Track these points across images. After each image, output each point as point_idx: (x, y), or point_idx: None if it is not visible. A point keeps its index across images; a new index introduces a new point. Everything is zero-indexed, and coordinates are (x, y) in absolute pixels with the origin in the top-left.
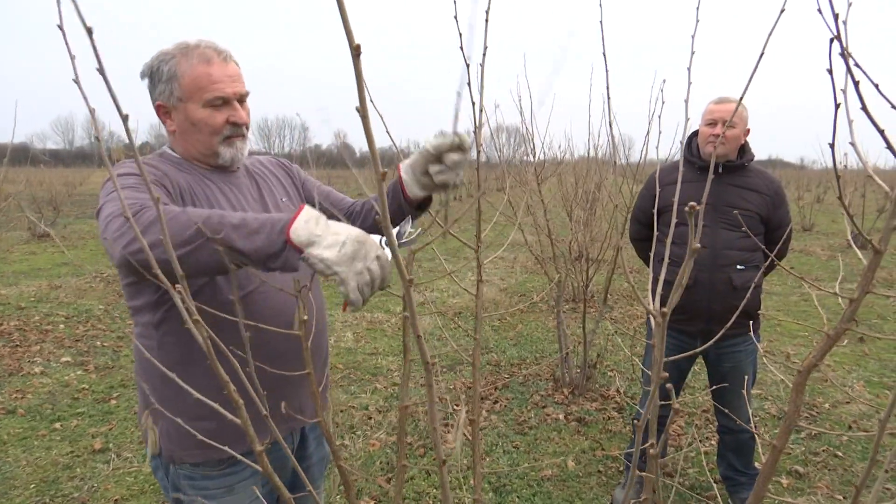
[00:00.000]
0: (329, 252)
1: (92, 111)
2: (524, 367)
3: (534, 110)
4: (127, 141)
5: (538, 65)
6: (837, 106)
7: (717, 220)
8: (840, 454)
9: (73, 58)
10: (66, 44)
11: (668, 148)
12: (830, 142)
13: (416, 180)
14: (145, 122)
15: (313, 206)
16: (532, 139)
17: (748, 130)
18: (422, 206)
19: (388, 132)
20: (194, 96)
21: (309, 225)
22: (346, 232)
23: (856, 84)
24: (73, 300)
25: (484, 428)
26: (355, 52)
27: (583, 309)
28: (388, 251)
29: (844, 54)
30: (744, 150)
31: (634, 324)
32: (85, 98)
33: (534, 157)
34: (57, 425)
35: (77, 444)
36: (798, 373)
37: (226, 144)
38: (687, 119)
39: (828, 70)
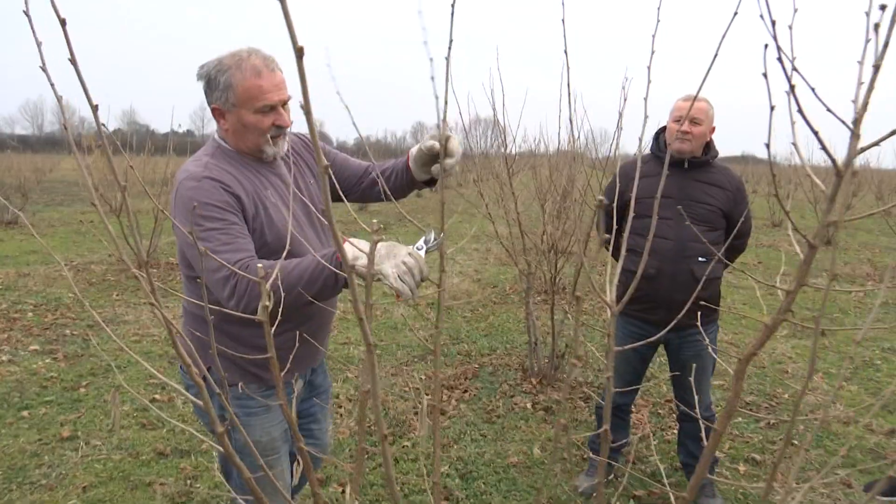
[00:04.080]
0: (366, 260)
1: (59, 99)
2: (494, 357)
3: (505, 103)
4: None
5: (513, 59)
6: (772, 108)
7: (681, 213)
8: (796, 442)
9: (39, 44)
10: (33, 31)
11: (636, 143)
12: (766, 142)
13: (420, 168)
14: (117, 108)
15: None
16: (504, 132)
17: (713, 128)
18: (429, 182)
19: (354, 124)
20: (246, 104)
21: (352, 250)
22: (382, 246)
23: (792, 88)
24: (41, 288)
25: (453, 416)
26: (298, 53)
27: (551, 301)
28: (421, 252)
29: (781, 59)
30: (709, 146)
31: (604, 316)
32: (53, 86)
33: (505, 149)
34: (24, 413)
35: (45, 432)
36: (738, 361)
37: (270, 143)
38: (646, 116)
39: (763, 74)
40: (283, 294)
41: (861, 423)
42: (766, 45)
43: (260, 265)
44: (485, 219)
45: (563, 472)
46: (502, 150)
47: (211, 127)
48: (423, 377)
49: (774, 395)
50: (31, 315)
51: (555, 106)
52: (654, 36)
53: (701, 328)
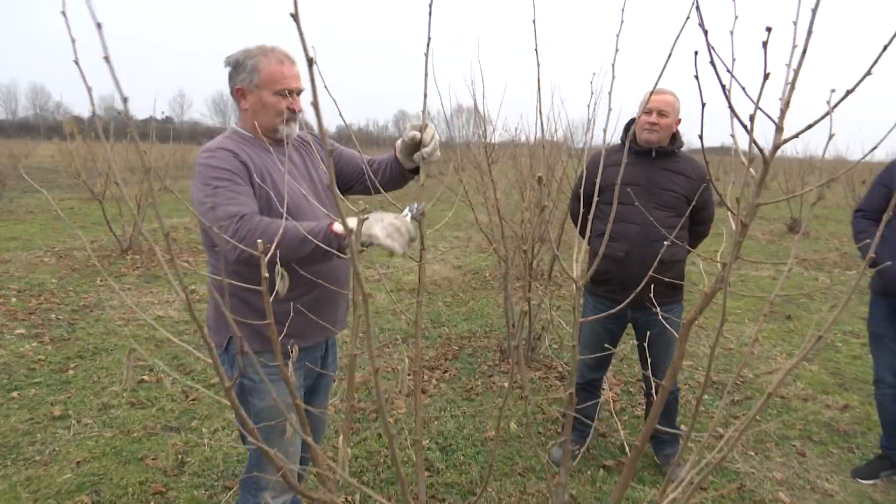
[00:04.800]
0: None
1: (90, 90)
2: (474, 339)
3: (486, 94)
4: (74, 113)
5: (496, 50)
6: (703, 105)
7: (649, 200)
8: (757, 417)
9: (73, 41)
10: (69, 29)
11: (611, 134)
12: (699, 133)
13: (406, 158)
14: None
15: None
16: (485, 122)
17: (679, 120)
18: (415, 171)
19: (341, 115)
20: (268, 86)
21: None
22: (371, 215)
23: (723, 87)
24: (24, 274)
25: (433, 395)
26: (309, 63)
27: (527, 285)
28: (406, 218)
29: (713, 63)
30: (675, 137)
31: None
32: (85, 80)
33: (485, 139)
34: (14, 394)
35: (36, 412)
36: (682, 325)
37: (284, 124)
38: (609, 109)
39: (695, 76)
40: (279, 247)
41: (819, 399)
42: (697, 52)
43: (260, 218)
44: (465, 206)
45: (537, 445)
46: (482, 139)
47: (191, 115)
48: (406, 358)
49: (740, 375)
50: (15, 300)
51: (533, 97)
52: (618, 35)
53: (676, 306)
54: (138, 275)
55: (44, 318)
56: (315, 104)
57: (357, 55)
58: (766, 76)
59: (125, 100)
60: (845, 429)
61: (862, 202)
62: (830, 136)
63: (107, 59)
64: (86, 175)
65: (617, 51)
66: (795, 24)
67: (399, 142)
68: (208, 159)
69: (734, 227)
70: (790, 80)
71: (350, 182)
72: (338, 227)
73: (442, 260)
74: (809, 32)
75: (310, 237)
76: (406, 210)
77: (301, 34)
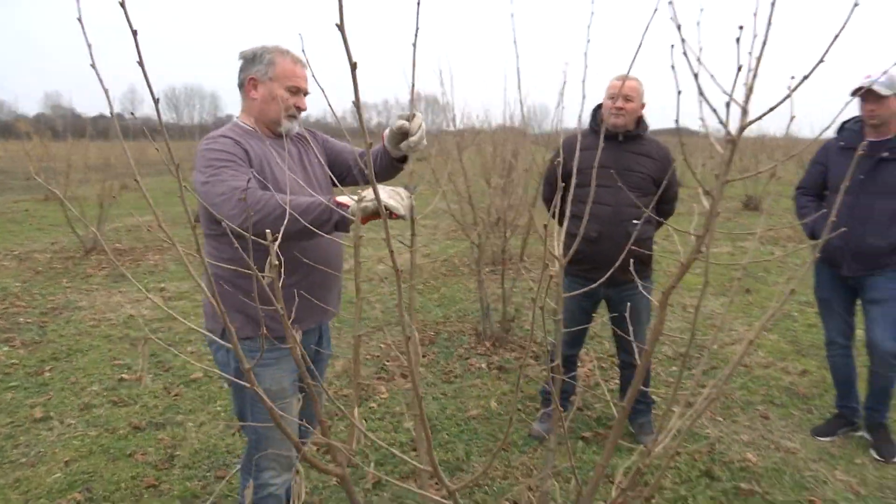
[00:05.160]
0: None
1: (106, 91)
2: (448, 324)
3: (453, 83)
4: (19, 114)
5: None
6: (679, 93)
7: (618, 181)
8: (723, 385)
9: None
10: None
11: (575, 119)
12: (675, 118)
13: (394, 147)
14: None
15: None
16: (447, 111)
17: (644, 104)
18: (403, 159)
19: (330, 106)
20: (282, 80)
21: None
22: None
23: (695, 75)
24: None
25: None
26: (353, 67)
27: (502, 269)
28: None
29: (686, 53)
30: (640, 121)
31: (551, 282)
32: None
33: (455, 127)
34: None
35: (16, 415)
36: (662, 294)
37: (288, 119)
38: (584, 97)
39: (671, 66)
40: (283, 216)
41: (778, 366)
42: (672, 45)
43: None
44: (432, 194)
45: (518, 421)
46: (450, 127)
47: (143, 112)
48: (382, 345)
49: (704, 346)
50: None
51: (496, 86)
52: (589, 27)
53: (647, 282)
54: (105, 275)
55: (12, 322)
56: (357, 104)
57: (317, 45)
58: (739, 69)
59: (157, 101)
60: (804, 392)
61: (802, 180)
62: (792, 118)
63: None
64: (43, 175)
65: (588, 41)
66: (755, 14)
67: (387, 131)
68: (210, 144)
69: (706, 204)
70: (753, 67)
71: (343, 173)
72: (341, 198)
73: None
74: (769, 24)
75: (314, 206)
76: (401, 187)
77: (346, 42)
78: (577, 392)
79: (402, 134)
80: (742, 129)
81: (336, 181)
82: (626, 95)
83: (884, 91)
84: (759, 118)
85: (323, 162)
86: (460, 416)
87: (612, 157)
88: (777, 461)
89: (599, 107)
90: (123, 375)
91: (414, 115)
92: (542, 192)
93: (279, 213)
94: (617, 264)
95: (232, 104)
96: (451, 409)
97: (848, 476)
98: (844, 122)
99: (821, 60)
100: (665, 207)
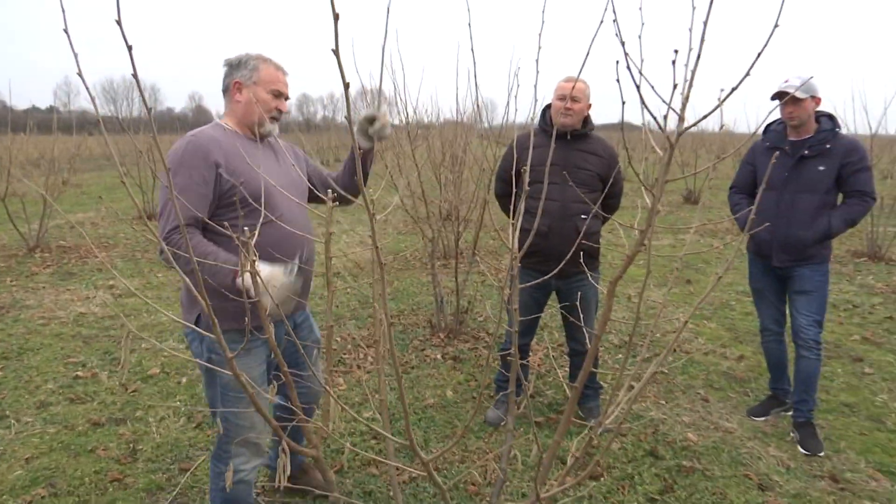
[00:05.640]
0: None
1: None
2: (403, 317)
3: (405, 79)
4: None
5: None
6: (623, 103)
7: (566, 178)
8: (666, 371)
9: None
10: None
11: (526, 117)
12: (621, 125)
13: (362, 136)
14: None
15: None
16: (402, 103)
17: (590, 105)
18: (369, 152)
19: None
20: (265, 84)
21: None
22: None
23: (637, 87)
24: None
25: (371, 371)
26: (346, 86)
27: (455, 262)
28: (292, 277)
29: (629, 67)
30: (587, 120)
31: (500, 275)
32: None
33: (408, 123)
34: None
35: None
36: (609, 284)
37: (270, 121)
38: (535, 100)
39: (617, 80)
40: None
41: (718, 352)
42: (618, 62)
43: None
44: (386, 189)
45: (473, 409)
46: (401, 121)
47: (79, 104)
48: (339, 338)
49: (646, 334)
50: None
51: (446, 82)
52: (540, 35)
53: (594, 274)
54: (51, 272)
55: None
56: (349, 119)
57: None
58: (675, 86)
59: (149, 110)
60: (741, 376)
61: (734, 179)
62: (721, 126)
63: (134, 74)
64: None
65: (540, 48)
66: (691, 30)
67: (356, 125)
68: (183, 148)
69: (647, 201)
70: (689, 79)
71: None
72: (239, 282)
73: (361, 243)
74: (702, 40)
75: (216, 268)
76: (294, 263)
77: (340, 66)
78: (529, 379)
79: (370, 122)
80: (679, 134)
81: (310, 197)
82: (573, 97)
83: (801, 94)
84: (694, 125)
85: (300, 169)
86: (418, 404)
87: (561, 156)
88: (716, 440)
89: (548, 107)
90: (78, 373)
91: (379, 106)
92: (495, 189)
93: (190, 268)
94: (567, 257)
95: (172, 96)
96: (409, 399)
97: (780, 452)
98: (769, 124)
99: (747, 74)
100: (611, 202)
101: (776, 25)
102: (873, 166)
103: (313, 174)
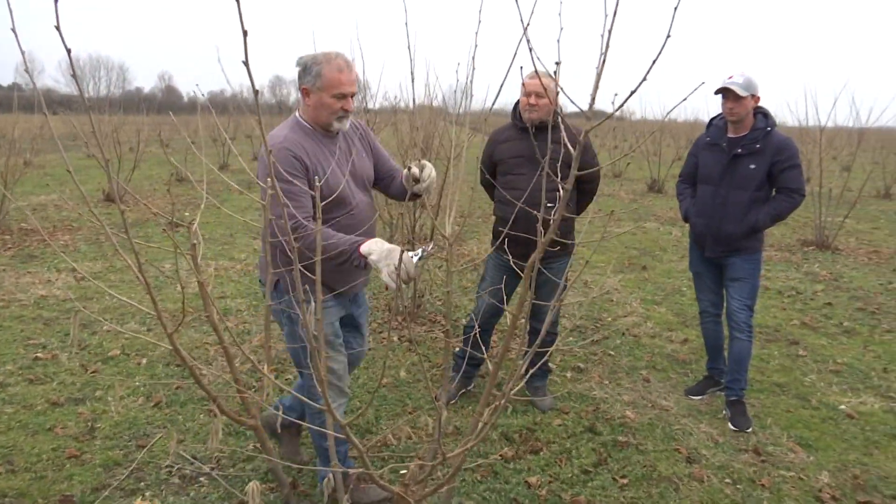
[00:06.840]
0: (374, 256)
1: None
2: None
3: (366, 64)
4: None
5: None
6: (556, 110)
7: (534, 169)
8: (612, 353)
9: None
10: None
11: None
12: (559, 113)
13: (408, 184)
14: None
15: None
16: (369, 88)
17: (557, 96)
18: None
19: (254, 87)
20: (328, 90)
21: (369, 246)
22: (386, 247)
23: (560, 88)
24: None
25: None
26: (255, 93)
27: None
28: (414, 259)
29: (555, 75)
30: (555, 113)
31: (461, 261)
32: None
33: (373, 105)
34: None
35: None
36: (528, 266)
37: (338, 121)
38: (496, 96)
39: (560, 89)
40: (319, 248)
41: (664, 335)
42: (522, 67)
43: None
44: None
45: (424, 389)
46: (370, 106)
47: (43, 82)
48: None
49: (600, 319)
50: None
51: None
52: (476, 33)
53: (561, 258)
54: (11, 255)
55: None
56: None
57: (235, 18)
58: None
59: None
60: (684, 358)
61: (681, 170)
62: (652, 133)
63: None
64: None
65: (476, 45)
66: (602, 36)
67: (404, 172)
68: (284, 159)
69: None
70: (596, 81)
71: (383, 179)
72: (363, 249)
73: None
74: (607, 46)
75: (340, 247)
76: (420, 250)
77: (252, 82)
78: (485, 360)
79: (415, 181)
80: (586, 133)
81: (376, 181)
82: (537, 93)
83: (741, 92)
84: (598, 125)
85: (369, 159)
86: (372, 384)
87: (528, 147)
88: (652, 417)
89: (518, 103)
90: (38, 354)
91: (424, 166)
92: (480, 178)
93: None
94: (545, 244)
95: (142, 76)
96: (364, 379)
97: (710, 428)
98: (712, 119)
99: (643, 79)
100: (587, 187)
101: (668, 36)
102: (818, 161)
103: (380, 160)
